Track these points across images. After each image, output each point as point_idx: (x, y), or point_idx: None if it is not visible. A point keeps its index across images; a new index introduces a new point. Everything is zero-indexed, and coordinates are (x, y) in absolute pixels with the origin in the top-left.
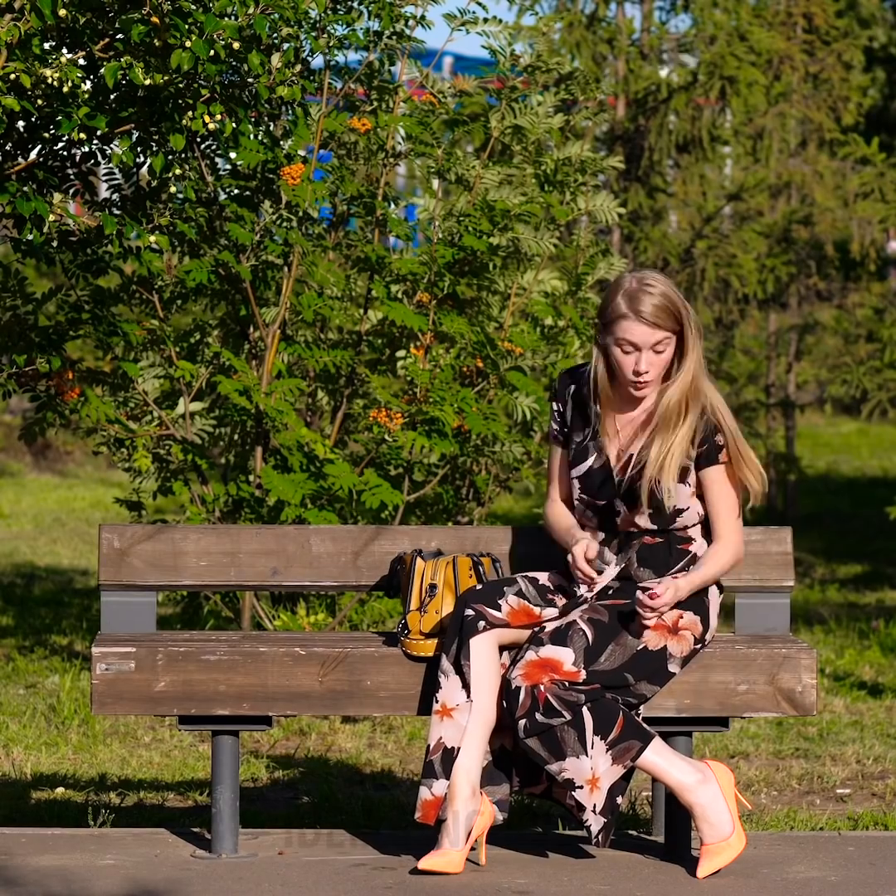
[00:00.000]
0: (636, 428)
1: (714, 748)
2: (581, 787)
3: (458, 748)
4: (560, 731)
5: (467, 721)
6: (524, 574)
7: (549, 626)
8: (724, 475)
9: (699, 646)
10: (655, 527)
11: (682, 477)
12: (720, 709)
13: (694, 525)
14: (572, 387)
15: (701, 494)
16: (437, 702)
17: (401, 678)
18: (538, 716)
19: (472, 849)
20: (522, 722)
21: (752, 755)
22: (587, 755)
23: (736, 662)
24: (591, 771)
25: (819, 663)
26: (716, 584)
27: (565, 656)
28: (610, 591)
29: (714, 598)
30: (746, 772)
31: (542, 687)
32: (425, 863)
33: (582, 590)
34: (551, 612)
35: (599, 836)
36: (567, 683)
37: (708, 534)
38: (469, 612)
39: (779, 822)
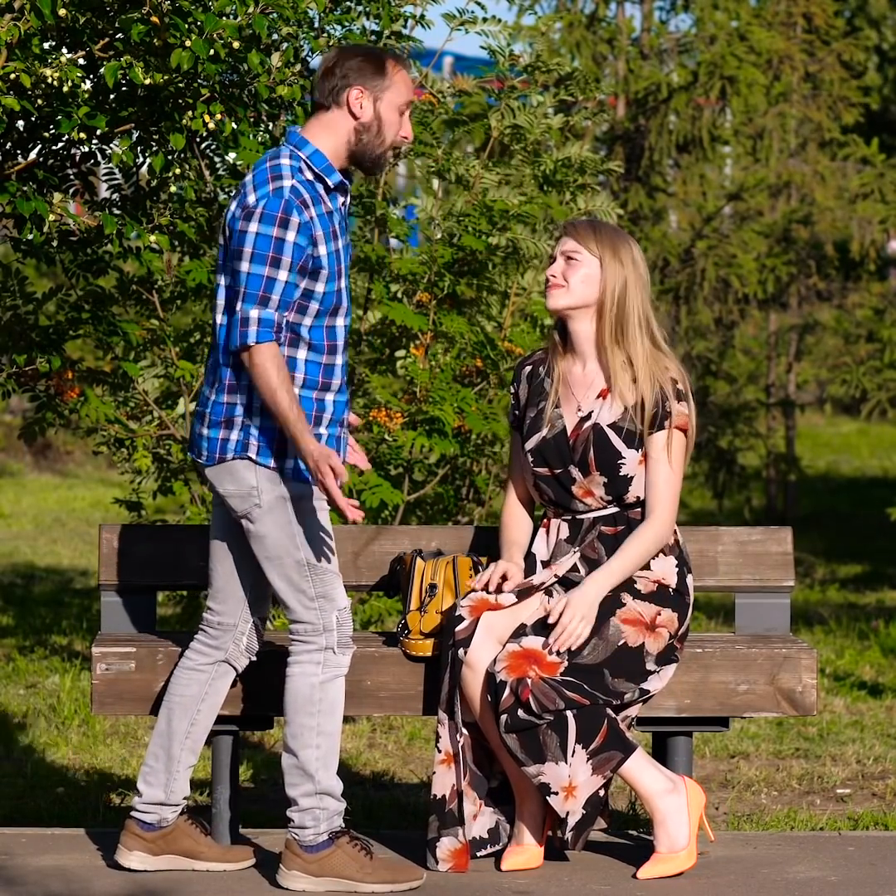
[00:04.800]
0: (588, 388)
1: (714, 748)
2: (556, 793)
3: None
4: (542, 734)
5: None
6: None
7: (533, 618)
8: (667, 443)
9: (672, 641)
10: (610, 497)
11: (631, 441)
12: (720, 709)
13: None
14: (527, 367)
15: None
16: (439, 751)
17: (401, 678)
18: (520, 713)
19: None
20: (504, 717)
21: (752, 755)
22: (566, 762)
23: (736, 662)
24: (568, 778)
25: (819, 663)
26: (689, 571)
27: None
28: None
29: (691, 589)
30: (746, 772)
31: (528, 681)
32: (507, 863)
33: (542, 576)
34: (508, 598)
35: (570, 837)
36: (553, 682)
37: None
38: (459, 652)
39: (779, 822)
